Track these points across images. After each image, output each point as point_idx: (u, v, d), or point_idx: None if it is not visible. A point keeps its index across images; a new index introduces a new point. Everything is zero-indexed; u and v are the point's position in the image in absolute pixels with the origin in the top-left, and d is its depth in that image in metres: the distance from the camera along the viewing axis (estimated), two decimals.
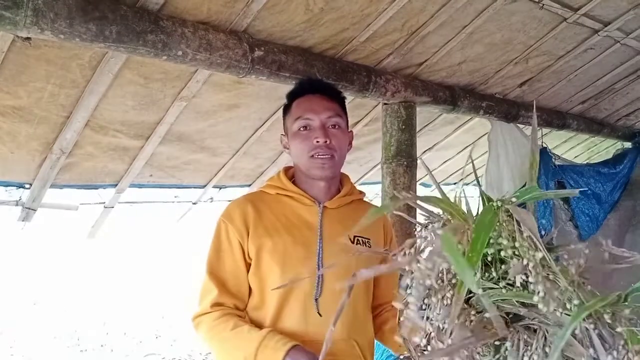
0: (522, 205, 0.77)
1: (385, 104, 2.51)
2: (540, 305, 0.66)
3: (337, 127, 1.51)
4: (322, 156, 1.46)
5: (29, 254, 11.95)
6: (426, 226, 0.81)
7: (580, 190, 4.13)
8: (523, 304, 0.71)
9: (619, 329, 0.64)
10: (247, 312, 1.46)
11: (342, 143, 1.53)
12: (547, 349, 0.68)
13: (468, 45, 2.50)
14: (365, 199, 1.67)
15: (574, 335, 0.65)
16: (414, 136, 2.53)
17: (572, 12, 2.42)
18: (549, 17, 2.43)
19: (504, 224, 0.72)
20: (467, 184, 5.12)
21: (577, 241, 4.01)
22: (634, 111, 4.41)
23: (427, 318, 0.75)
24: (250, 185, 3.41)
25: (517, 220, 0.71)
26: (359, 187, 1.67)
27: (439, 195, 0.82)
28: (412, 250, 0.78)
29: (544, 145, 3.81)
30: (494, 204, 0.74)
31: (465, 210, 0.78)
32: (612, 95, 3.81)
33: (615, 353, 0.64)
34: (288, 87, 2.09)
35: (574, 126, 3.96)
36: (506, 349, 0.70)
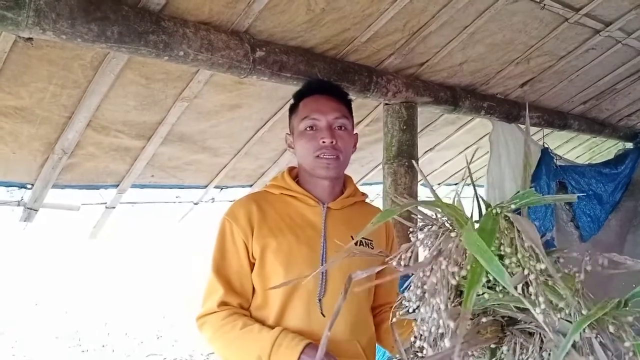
0: (517, 210, 0.77)
1: (386, 104, 2.51)
2: (540, 317, 0.66)
3: (343, 128, 1.52)
4: (327, 156, 1.47)
5: (31, 255, 11.97)
6: (422, 229, 0.81)
7: (582, 191, 4.12)
8: (519, 308, 0.71)
9: (627, 344, 0.64)
10: (250, 312, 1.46)
11: (348, 144, 1.53)
12: (543, 353, 0.68)
13: (469, 46, 2.50)
14: (367, 200, 1.68)
15: (573, 343, 0.64)
16: (415, 136, 2.53)
17: (574, 12, 2.41)
18: (550, 17, 2.43)
19: (505, 232, 0.72)
20: (468, 185, 5.11)
21: (578, 242, 4.01)
22: (635, 111, 4.41)
23: (422, 320, 0.75)
24: (251, 185, 3.41)
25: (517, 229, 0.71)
26: (360, 188, 1.68)
27: (439, 197, 0.82)
28: (409, 254, 0.78)
29: (546, 145, 3.81)
30: (493, 210, 0.73)
31: (466, 214, 0.78)
32: (614, 95, 3.80)
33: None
34: (289, 87, 2.10)
35: (576, 126, 3.96)
36: (502, 353, 0.70)
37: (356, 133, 1.62)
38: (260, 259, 1.44)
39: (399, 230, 2.19)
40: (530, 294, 0.67)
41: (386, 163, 2.50)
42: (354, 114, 1.64)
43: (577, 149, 5.51)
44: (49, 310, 8.19)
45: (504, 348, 0.70)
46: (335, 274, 1.44)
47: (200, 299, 1.47)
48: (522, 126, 3.53)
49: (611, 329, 0.64)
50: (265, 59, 1.86)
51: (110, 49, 1.55)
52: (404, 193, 2.36)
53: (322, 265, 1.43)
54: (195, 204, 3.39)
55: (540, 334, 0.69)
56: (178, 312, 7.78)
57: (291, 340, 1.31)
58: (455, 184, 5.14)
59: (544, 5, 2.27)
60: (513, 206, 0.74)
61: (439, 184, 4.93)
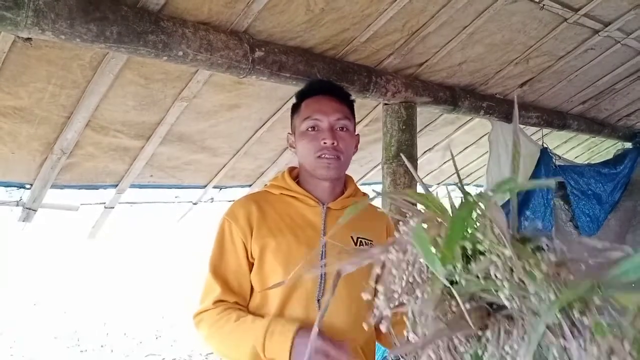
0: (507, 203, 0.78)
1: (385, 104, 2.51)
2: (507, 303, 0.67)
3: (345, 129, 1.52)
4: (328, 157, 1.47)
5: (30, 255, 11.96)
6: (406, 221, 0.81)
7: (581, 191, 4.13)
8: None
9: (585, 321, 0.64)
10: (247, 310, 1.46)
11: (349, 145, 1.54)
12: (525, 337, 0.68)
13: (468, 46, 2.50)
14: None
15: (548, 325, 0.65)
16: (415, 136, 2.53)
17: (573, 12, 2.42)
18: (549, 17, 2.43)
19: (481, 219, 0.73)
20: (467, 185, 5.12)
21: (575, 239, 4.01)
22: (634, 111, 4.41)
23: (397, 305, 0.76)
24: (250, 185, 3.41)
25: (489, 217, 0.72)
26: (360, 188, 1.68)
27: (430, 192, 0.82)
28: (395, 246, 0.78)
29: (545, 145, 3.81)
30: (472, 197, 0.74)
31: (445, 205, 0.79)
32: (613, 95, 3.80)
33: (581, 341, 0.64)
34: (288, 87, 2.10)
35: (575, 126, 3.96)
36: (487, 338, 0.71)
37: (357, 134, 1.63)
38: (259, 259, 1.44)
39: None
40: (498, 278, 0.68)
41: (385, 163, 2.50)
42: None
43: (576, 148, 5.52)
44: (47, 310, 8.18)
45: (488, 333, 0.70)
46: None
47: (198, 297, 1.47)
48: (522, 126, 3.53)
49: (576, 309, 0.65)
50: (264, 59, 1.86)
51: (109, 49, 1.55)
52: None
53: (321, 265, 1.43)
54: (194, 204, 3.39)
55: (521, 319, 0.69)
56: (177, 312, 7.78)
57: (283, 326, 1.31)
58: (454, 184, 5.14)
59: (543, 5, 2.27)
60: (491, 193, 0.74)
61: (437, 184, 4.93)
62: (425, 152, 4.02)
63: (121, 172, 2.64)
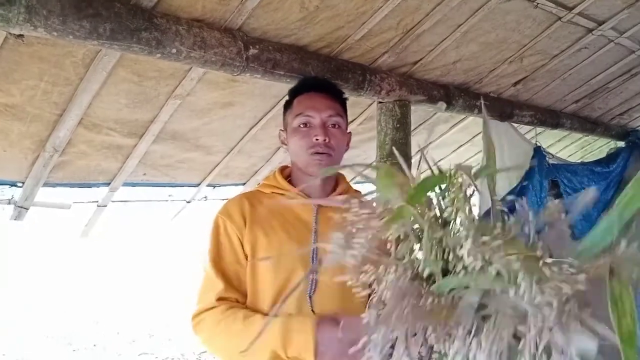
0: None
1: (380, 102, 2.51)
2: (466, 257, 0.66)
3: (337, 126, 1.53)
4: (320, 153, 1.47)
5: (22, 253, 11.89)
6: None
7: (574, 189, 4.14)
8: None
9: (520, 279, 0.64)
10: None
11: (341, 143, 1.54)
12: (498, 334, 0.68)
13: (463, 44, 2.50)
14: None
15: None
16: (409, 135, 2.53)
17: (567, 11, 2.42)
18: (543, 16, 2.44)
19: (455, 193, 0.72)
20: None
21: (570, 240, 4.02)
22: (627, 110, 4.44)
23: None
24: (244, 183, 3.40)
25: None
26: (353, 186, 1.68)
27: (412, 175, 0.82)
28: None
29: (538, 144, 3.83)
30: (450, 170, 0.74)
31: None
32: (606, 94, 3.82)
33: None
34: (283, 85, 2.09)
35: (568, 125, 3.98)
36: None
37: (349, 132, 1.63)
38: (251, 256, 1.45)
39: None
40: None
41: (379, 161, 2.50)
42: (347, 112, 1.64)
43: (569, 147, 5.54)
44: (40, 309, 8.14)
45: (460, 329, 0.70)
46: (326, 270, 1.44)
47: (196, 297, 1.46)
48: (516, 125, 3.54)
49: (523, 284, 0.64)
50: (258, 56, 1.85)
51: (102, 46, 1.54)
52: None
53: (312, 262, 1.43)
54: (188, 202, 3.37)
55: (496, 315, 0.69)
56: (170, 310, 7.76)
57: (299, 323, 1.31)
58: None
59: (537, 4, 2.28)
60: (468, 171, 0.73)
61: None
62: (418, 150, 4.02)
63: (114, 170, 2.63)
